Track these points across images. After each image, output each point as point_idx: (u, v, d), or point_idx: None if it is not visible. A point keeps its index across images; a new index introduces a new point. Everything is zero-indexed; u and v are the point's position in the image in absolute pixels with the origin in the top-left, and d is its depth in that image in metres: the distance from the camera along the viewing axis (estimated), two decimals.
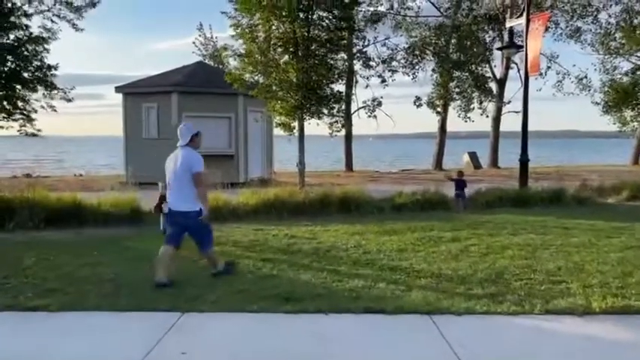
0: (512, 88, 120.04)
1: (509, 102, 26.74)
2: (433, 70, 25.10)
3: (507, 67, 27.06)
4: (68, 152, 56.93)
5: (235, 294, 5.15)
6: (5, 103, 10.79)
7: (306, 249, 7.24)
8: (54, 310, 4.67)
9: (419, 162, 34.90)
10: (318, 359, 3.73)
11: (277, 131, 19.31)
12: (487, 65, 26.60)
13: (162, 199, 6.49)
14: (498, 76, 27.19)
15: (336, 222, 9.43)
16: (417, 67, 25.44)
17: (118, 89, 17.59)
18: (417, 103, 25.41)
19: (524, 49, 13.13)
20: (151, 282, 5.48)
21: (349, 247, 7.32)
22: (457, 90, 26.17)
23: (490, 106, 26.77)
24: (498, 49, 21.58)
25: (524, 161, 13.22)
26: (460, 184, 11.23)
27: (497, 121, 27.42)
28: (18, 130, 11.19)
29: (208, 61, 27.36)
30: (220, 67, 23.39)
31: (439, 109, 26.20)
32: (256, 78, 13.55)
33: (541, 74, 23.43)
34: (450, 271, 6.01)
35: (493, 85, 26.80)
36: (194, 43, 29.32)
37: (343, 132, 24.49)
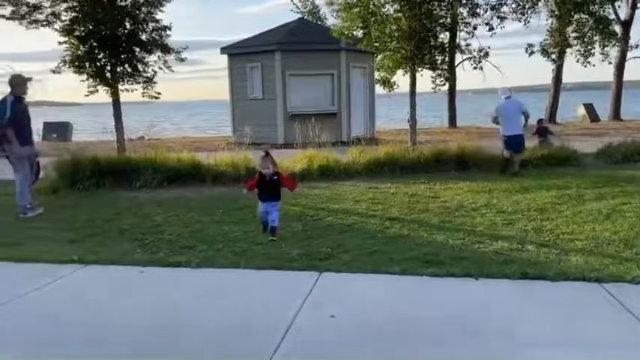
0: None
1: (637, 46, 23.89)
2: (552, 12, 22.83)
3: (634, 7, 24.08)
4: (173, 116, 59.95)
5: (370, 255, 4.88)
6: (126, 65, 11.19)
7: (432, 208, 6.82)
8: (194, 267, 4.67)
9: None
10: (478, 328, 3.34)
11: (376, 89, 18.87)
12: (610, 5, 23.80)
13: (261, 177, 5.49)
14: (623, 17, 24.31)
15: (456, 179, 8.89)
16: (529, 12, 23.30)
17: (223, 50, 17.81)
18: (529, 51, 23.41)
19: None
20: (279, 239, 5.38)
21: (479, 207, 6.78)
22: (574, 35, 23.74)
23: (612, 52, 24.12)
24: None
25: None
26: (542, 131, 11.85)
27: (620, 68, 24.72)
28: (142, 94, 11.61)
29: (307, 18, 27.00)
30: (319, 23, 22.98)
31: (554, 57, 23.99)
32: (361, 32, 12.99)
33: None
34: (607, 233, 5.31)
35: (617, 28, 24.02)
36: (292, 0, 29.03)
37: (445, 87, 23.36)
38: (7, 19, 10.72)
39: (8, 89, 7.04)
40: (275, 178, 5.45)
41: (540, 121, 12.59)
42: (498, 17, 22.65)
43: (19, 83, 7.06)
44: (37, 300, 4.06)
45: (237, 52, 17.64)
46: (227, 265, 4.71)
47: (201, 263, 4.73)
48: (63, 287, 4.33)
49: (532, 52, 23.58)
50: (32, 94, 7.32)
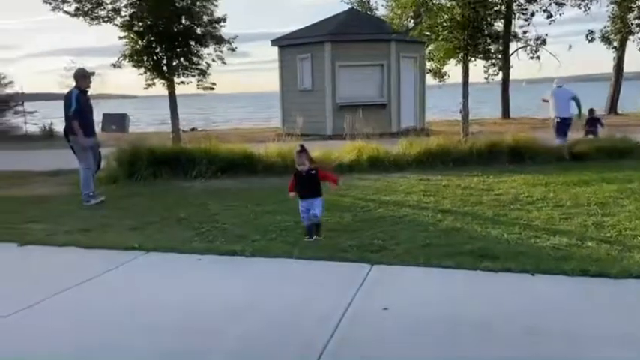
0: None
1: None
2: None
3: None
4: (223, 108, 61.10)
5: (422, 247, 4.84)
6: (182, 58, 11.53)
7: (485, 201, 6.69)
8: (248, 255, 4.79)
9: (584, 107, 31.17)
10: (536, 325, 3.27)
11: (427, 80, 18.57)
12: None
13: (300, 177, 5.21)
14: None
15: (510, 172, 8.67)
16: None
17: (274, 42, 17.99)
18: (589, 38, 22.40)
19: None
20: (330, 230, 5.43)
21: (535, 200, 6.60)
22: (637, 22, 22.53)
23: None
24: None
25: None
26: (593, 121, 11.78)
27: None
28: (197, 85, 11.94)
29: (357, 9, 26.80)
30: (370, 13, 22.80)
31: (615, 45, 22.87)
32: (412, 21, 12.82)
33: None
34: None
35: None
36: None
37: (498, 77, 22.68)
38: (72, 15, 11.22)
39: (73, 83, 7.39)
40: (312, 172, 5.16)
41: (592, 111, 12.40)
42: (557, 3, 21.81)
43: (83, 77, 7.39)
44: (101, 284, 4.28)
45: (287, 44, 17.78)
46: (280, 254, 4.79)
47: (255, 252, 4.84)
48: (125, 272, 4.54)
49: (592, 39, 22.58)
50: (94, 87, 7.63)
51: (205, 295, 3.98)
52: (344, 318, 3.46)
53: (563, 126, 10.45)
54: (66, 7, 11.18)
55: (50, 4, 11.13)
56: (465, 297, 3.77)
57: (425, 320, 3.41)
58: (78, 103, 7.16)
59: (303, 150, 5.22)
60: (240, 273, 4.44)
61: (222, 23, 11.64)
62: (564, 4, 22.07)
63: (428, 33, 12.26)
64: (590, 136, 11.41)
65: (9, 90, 21.00)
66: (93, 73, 7.56)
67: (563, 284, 3.92)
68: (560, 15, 21.70)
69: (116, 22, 11.44)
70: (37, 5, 11.71)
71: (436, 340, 3.14)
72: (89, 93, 7.59)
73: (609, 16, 22.36)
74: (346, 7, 27.03)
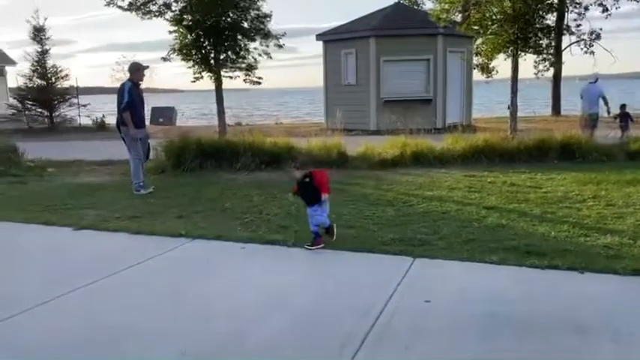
0: None
1: None
2: None
3: None
4: (268, 103, 61.73)
5: (465, 243, 4.77)
6: (229, 52, 11.74)
7: (532, 198, 6.52)
8: (290, 245, 4.85)
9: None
10: (584, 324, 3.18)
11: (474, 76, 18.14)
12: None
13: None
14: None
15: (559, 170, 8.42)
16: None
17: (318, 37, 18.03)
18: None
19: None
20: (372, 224, 5.43)
21: (586, 199, 6.38)
22: None
23: None
24: None
25: None
26: (623, 116, 12.13)
27: None
28: (244, 80, 12.17)
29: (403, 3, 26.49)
30: (416, 7, 22.51)
31: None
32: (460, 15, 12.57)
33: None
34: None
35: None
36: None
37: (549, 73, 21.87)
38: (125, 9, 11.62)
39: (124, 77, 7.67)
40: (307, 180, 4.90)
41: (623, 106, 12.66)
42: None
43: (137, 70, 7.64)
44: (148, 268, 4.43)
45: (332, 39, 17.78)
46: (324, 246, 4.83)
47: (297, 242, 4.90)
48: (173, 258, 4.69)
49: None
50: (145, 81, 7.87)
51: (247, 282, 4.06)
52: (385, 310, 3.46)
53: (589, 121, 11.42)
54: (119, 2, 11.58)
55: None
56: (509, 293, 3.70)
57: (466, 314, 3.37)
58: (130, 96, 7.41)
59: (296, 166, 5.05)
60: (282, 262, 4.50)
61: (268, 19, 11.77)
62: None
63: (476, 27, 11.99)
64: (620, 131, 11.97)
65: (65, 84, 21.91)
66: (147, 67, 7.79)
67: (613, 283, 3.79)
68: (616, 9, 20.72)
69: (166, 17, 11.76)
70: (92, 1, 12.15)
71: (477, 335, 3.10)
72: (141, 86, 7.85)
73: None
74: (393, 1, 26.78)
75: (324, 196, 4.81)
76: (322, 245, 4.76)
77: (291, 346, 3.06)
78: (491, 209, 6.02)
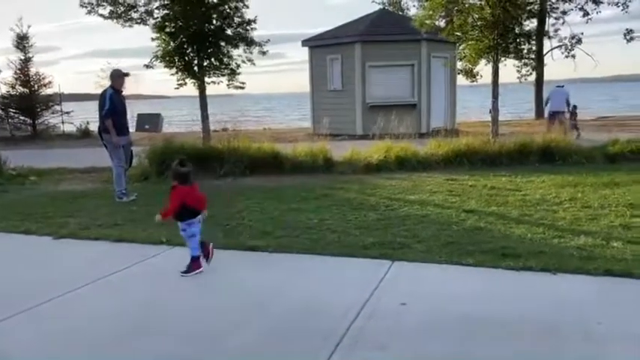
0: None
1: None
2: None
3: None
4: (254, 109, 61.70)
5: (444, 246, 4.85)
6: (212, 59, 11.76)
7: (511, 201, 6.63)
8: (271, 251, 4.89)
9: (620, 108, 30.41)
10: (556, 325, 3.26)
11: (458, 80, 18.36)
12: None
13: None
14: None
15: (539, 173, 8.57)
16: None
17: (304, 42, 18.11)
18: (627, 37, 21.76)
19: None
20: (354, 228, 5.49)
21: (563, 201, 6.51)
22: None
23: None
24: None
25: None
26: (572, 115, 13.77)
27: None
28: (227, 85, 12.17)
29: (388, 9, 26.72)
30: (401, 13, 22.71)
31: None
32: (443, 21, 12.73)
33: None
34: None
35: None
36: None
37: (532, 77, 22.21)
38: (106, 18, 11.59)
39: (108, 83, 7.65)
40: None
41: (574, 107, 14.42)
42: (594, 1, 21.25)
43: (118, 77, 7.62)
44: (128, 276, 4.45)
45: (317, 45, 17.87)
46: (303, 251, 4.88)
47: (278, 248, 4.94)
48: (156, 265, 4.71)
49: (631, 39, 21.91)
50: (130, 88, 7.88)
51: (227, 287, 4.10)
52: (362, 311, 3.52)
53: (551, 117, 13.36)
54: (100, 10, 11.55)
55: (86, 7, 11.52)
56: (484, 295, 3.77)
57: (443, 316, 3.43)
58: (111, 103, 7.40)
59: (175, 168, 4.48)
60: (263, 268, 4.54)
61: (252, 25, 11.81)
62: (601, 2, 21.50)
63: (458, 33, 12.16)
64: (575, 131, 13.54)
65: (48, 91, 21.77)
66: (127, 74, 7.77)
67: (585, 284, 3.88)
68: (597, 13, 21.12)
69: (148, 24, 11.75)
70: (75, 9, 12.08)
71: (453, 336, 3.17)
72: (124, 93, 7.85)
73: None
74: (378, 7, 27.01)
75: (157, 217, 4.36)
76: (201, 270, 4.38)
77: (271, 347, 3.11)
78: (470, 212, 6.12)
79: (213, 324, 3.43)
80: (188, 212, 4.41)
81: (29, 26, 21.40)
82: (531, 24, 13.51)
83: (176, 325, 3.45)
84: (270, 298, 3.82)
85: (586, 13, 20.81)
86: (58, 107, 22.07)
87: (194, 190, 4.49)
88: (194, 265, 4.39)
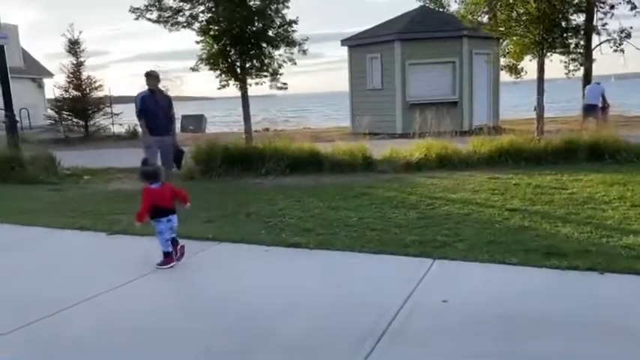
0: None
1: None
2: None
3: None
4: (295, 108, 62.13)
5: (486, 244, 4.81)
6: (255, 60, 11.98)
7: (557, 200, 6.48)
8: (312, 248, 4.97)
9: None
10: (604, 325, 3.21)
11: (502, 76, 17.97)
12: None
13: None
14: None
15: (587, 171, 8.31)
16: None
17: (343, 42, 18.17)
18: None
19: None
20: (394, 226, 5.51)
21: (612, 199, 6.32)
22: None
23: None
24: None
25: None
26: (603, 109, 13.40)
27: None
28: (270, 85, 12.38)
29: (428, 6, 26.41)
30: (442, 10, 22.41)
31: None
32: (486, 16, 12.52)
33: None
34: None
35: None
36: None
37: (580, 72, 21.42)
38: (154, 22, 11.98)
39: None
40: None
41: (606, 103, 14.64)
42: None
43: (146, 77, 7.64)
44: (177, 270, 4.63)
45: (357, 44, 17.89)
46: (343, 248, 4.94)
47: (319, 245, 5.02)
48: (203, 259, 4.88)
49: None
50: (174, 90, 8.08)
51: (270, 283, 4.20)
52: (403, 309, 3.55)
53: (587, 111, 13.47)
54: (148, 15, 11.94)
55: (134, 12, 11.93)
56: (528, 294, 3.74)
57: (484, 314, 3.42)
58: (143, 104, 7.54)
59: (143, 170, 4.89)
60: (304, 264, 4.63)
61: (293, 26, 11.96)
62: None
63: (501, 28, 11.93)
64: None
65: (99, 94, 22.62)
66: (150, 74, 7.65)
67: (633, 284, 3.78)
68: None
69: (194, 28, 12.06)
70: (124, 13, 12.52)
71: (494, 334, 3.16)
72: (166, 92, 7.98)
73: None
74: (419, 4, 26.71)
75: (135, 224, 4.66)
76: (172, 265, 4.59)
77: (313, 342, 3.19)
78: (514, 211, 6.03)
79: (257, 319, 3.54)
80: (158, 211, 4.62)
81: (80, 32, 22.27)
82: (578, 18, 13.04)
83: (220, 319, 3.58)
84: (311, 295, 3.90)
85: (634, 7, 19.93)
86: (108, 109, 22.90)
87: (163, 190, 4.69)
88: (166, 260, 4.61)
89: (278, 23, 11.83)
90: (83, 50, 21.86)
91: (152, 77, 7.64)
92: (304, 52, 12.23)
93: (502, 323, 3.29)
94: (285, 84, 12.51)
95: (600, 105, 13.84)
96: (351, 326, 3.34)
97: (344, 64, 18.36)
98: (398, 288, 3.89)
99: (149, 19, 12.00)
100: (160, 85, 7.88)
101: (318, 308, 3.67)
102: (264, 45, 11.87)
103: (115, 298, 4.02)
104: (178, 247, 4.74)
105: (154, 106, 7.63)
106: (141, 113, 7.62)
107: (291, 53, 12.05)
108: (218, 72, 12.17)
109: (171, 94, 8.09)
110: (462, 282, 4.03)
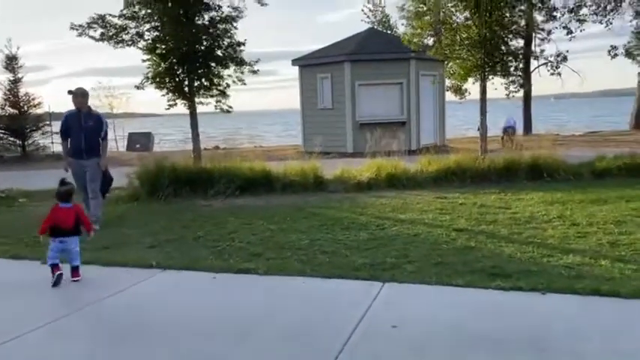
0: None
1: None
2: (636, 13, 21.47)
3: None
4: (247, 126, 61.79)
5: (434, 266, 4.87)
6: (203, 80, 11.83)
7: (501, 219, 6.68)
8: (262, 274, 4.87)
9: (609, 123, 30.85)
10: (545, 344, 3.28)
11: (448, 96, 18.55)
12: None
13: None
14: None
15: (528, 190, 8.65)
16: (611, 14, 21.99)
17: (294, 62, 18.28)
18: (611, 54, 22.06)
19: None
20: (344, 248, 5.50)
21: (552, 218, 6.56)
22: None
23: None
24: None
25: None
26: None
27: None
28: (215, 106, 12.22)
29: (377, 28, 27.13)
30: (390, 32, 23.00)
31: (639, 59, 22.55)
32: (432, 39, 12.91)
33: None
34: None
35: None
36: (362, 10, 29.44)
37: (520, 93, 22.41)
38: (97, 40, 11.64)
39: (96, 102, 7.58)
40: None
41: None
42: (578, 20, 21.56)
43: (74, 95, 7.13)
44: (118, 301, 4.42)
45: (308, 64, 18.05)
46: (293, 272, 4.87)
47: (268, 270, 4.93)
48: (142, 289, 4.68)
49: (615, 55, 22.22)
50: (120, 107, 7.79)
51: (218, 311, 4.07)
52: (354, 334, 3.51)
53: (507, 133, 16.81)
54: (91, 33, 11.60)
55: (76, 29, 11.56)
56: (474, 315, 3.78)
57: (433, 337, 3.44)
58: (63, 124, 7.22)
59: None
60: (253, 291, 4.52)
61: (241, 47, 11.90)
62: (585, 20, 21.82)
63: (446, 52, 12.34)
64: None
65: (38, 111, 21.70)
66: (73, 92, 7.14)
67: (573, 303, 3.90)
68: (580, 31, 21.42)
69: (139, 46, 11.81)
70: (65, 29, 12.11)
71: (443, 356, 3.17)
72: (94, 111, 7.43)
73: (632, 32, 22.08)
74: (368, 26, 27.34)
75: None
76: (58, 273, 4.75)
77: None
78: (461, 231, 6.15)
79: (209, 345, 3.41)
80: (54, 231, 4.80)
81: (18, 47, 21.33)
82: (518, 43, 13.66)
83: (168, 347, 3.42)
84: (261, 321, 3.81)
85: (569, 32, 21.11)
86: (48, 128, 21.96)
87: (69, 212, 4.86)
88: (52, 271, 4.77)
89: (226, 43, 11.76)
90: (21, 66, 21.00)
91: (76, 95, 7.11)
92: (255, 72, 12.20)
93: (451, 345, 3.30)
94: (230, 107, 12.39)
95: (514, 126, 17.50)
96: (304, 351, 3.27)
97: (297, 82, 18.45)
98: (349, 313, 3.86)
99: (92, 37, 11.66)
100: (105, 102, 7.60)
101: (269, 334, 3.59)
102: (213, 64, 11.76)
103: (41, 340, 3.77)
104: (56, 273, 4.75)
105: (77, 126, 7.08)
106: (61, 134, 7.26)
107: (242, 72, 11.99)
108: (165, 91, 11.93)
109: (117, 111, 7.82)
110: (412, 305, 4.04)
